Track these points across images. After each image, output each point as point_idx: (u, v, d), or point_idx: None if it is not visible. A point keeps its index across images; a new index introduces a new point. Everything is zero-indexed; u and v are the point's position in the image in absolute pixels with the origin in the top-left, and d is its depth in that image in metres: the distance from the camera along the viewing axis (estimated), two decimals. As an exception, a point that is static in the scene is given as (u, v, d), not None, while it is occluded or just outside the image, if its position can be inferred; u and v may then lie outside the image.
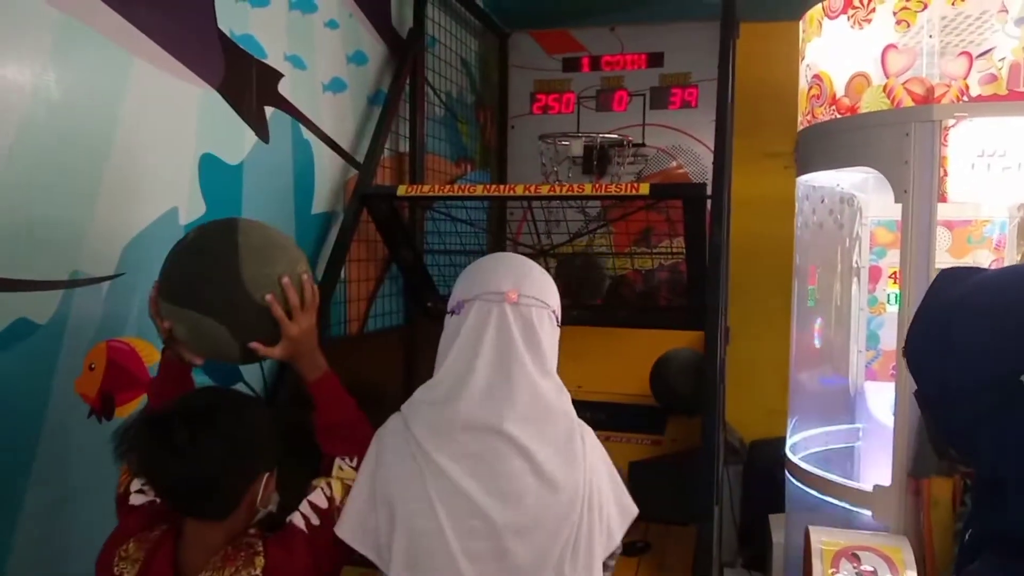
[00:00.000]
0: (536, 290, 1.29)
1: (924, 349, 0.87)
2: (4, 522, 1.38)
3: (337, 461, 1.33)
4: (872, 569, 2.05)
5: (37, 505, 1.42)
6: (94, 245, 1.53)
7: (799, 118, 2.67)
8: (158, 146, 1.69)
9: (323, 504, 1.25)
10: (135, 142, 1.62)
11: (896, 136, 2.17)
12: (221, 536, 1.19)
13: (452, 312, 1.28)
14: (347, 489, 1.25)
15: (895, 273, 2.74)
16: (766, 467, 3.31)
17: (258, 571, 1.15)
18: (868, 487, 2.27)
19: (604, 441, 2.36)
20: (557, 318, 1.33)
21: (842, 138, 2.37)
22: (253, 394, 1.50)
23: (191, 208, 1.77)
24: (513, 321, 1.25)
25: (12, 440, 1.39)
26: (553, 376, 1.28)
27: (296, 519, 1.23)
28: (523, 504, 1.16)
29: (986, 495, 0.83)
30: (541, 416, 1.22)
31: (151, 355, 1.66)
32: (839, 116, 2.36)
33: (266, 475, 1.22)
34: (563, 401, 1.27)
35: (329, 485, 1.28)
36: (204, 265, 1.28)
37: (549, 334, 1.28)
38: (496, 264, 1.34)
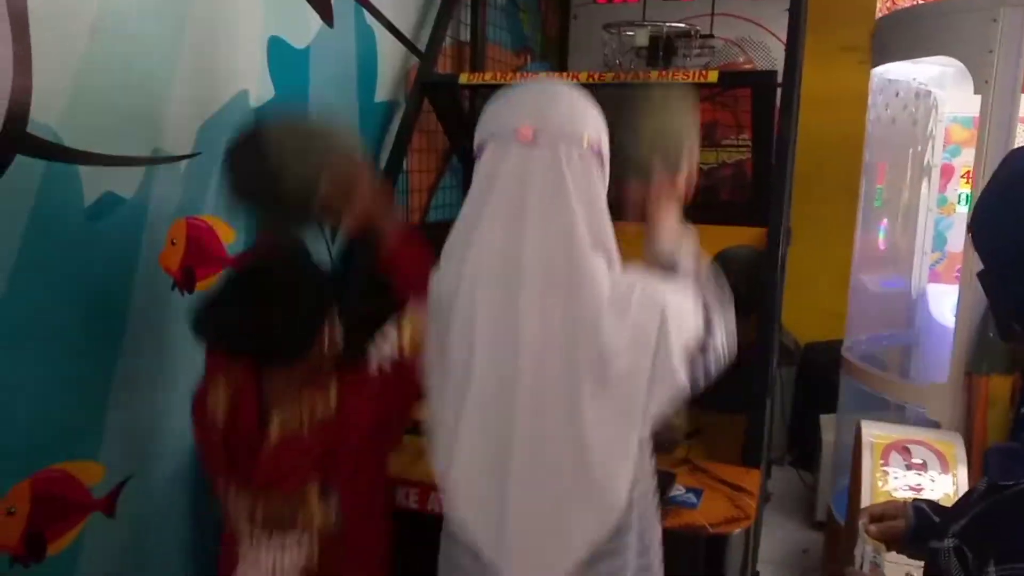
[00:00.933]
0: (562, 120, 1.03)
1: (991, 222, 0.86)
2: (98, 390, 1.49)
3: (409, 306, 1.35)
4: (923, 462, 2.08)
5: (127, 372, 1.53)
6: (172, 124, 1.58)
7: (877, 5, 2.55)
8: (228, 28, 1.71)
9: (393, 353, 1.33)
10: (207, 23, 1.64)
11: (982, 22, 2.07)
12: (297, 375, 1.29)
13: (475, 156, 1.09)
14: (415, 338, 1.29)
15: (968, 172, 2.64)
16: (819, 369, 3.32)
17: (332, 405, 1.26)
18: (925, 384, 2.27)
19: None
20: (600, 153, 1.06)
21: (923, 25, 2.26)
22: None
23: (261, 91, 1.80)
24: (529, 167, 1.01)
25: (103, 310, 1.48)
26: (588, 248, 1.00)
27: (370, 364, 1.32)
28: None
29: None
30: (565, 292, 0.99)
31: (227, 233, 1.73)
32: (922, 2, 2.24)
33: (327, 325, 1.29)
34: (600, 277, 1.00)
35: (399, 334, 1.35)
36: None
37: (583, 181, 1.02)
38: (517, 93, 1.09)
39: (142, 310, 1.55)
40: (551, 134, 1.02)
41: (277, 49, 1.84)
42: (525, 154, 1.02)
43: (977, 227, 0.89)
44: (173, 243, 1.61)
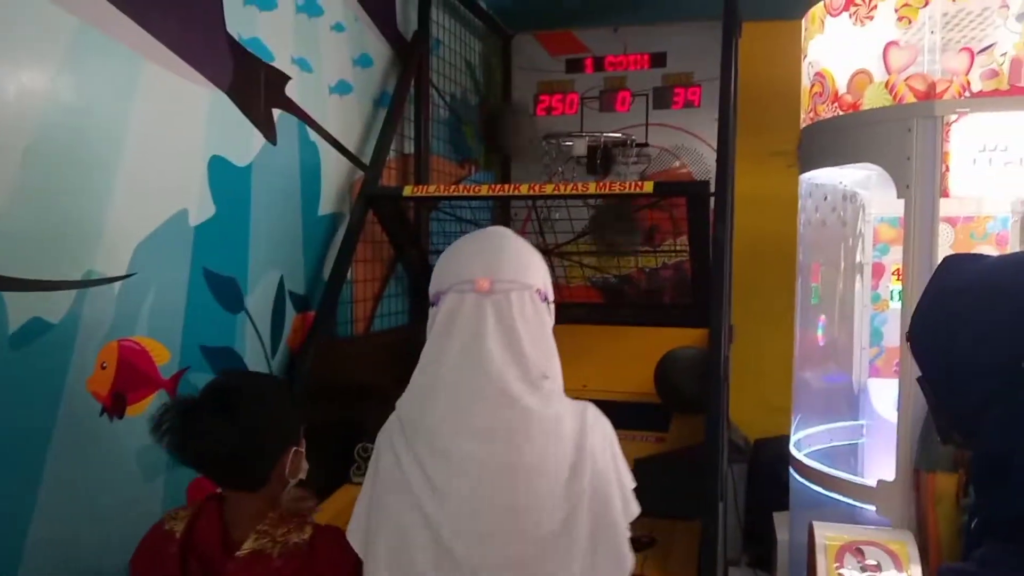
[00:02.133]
0: (514, 270, 1.15)
1: (929, 333, 0.88)
2: (18, 519, 1.40)
3: None
4: (876, 563, 2.06)
5: (50, 502, 1.44)
6: (107, 245, 1.56)
7: (802, 116, 2.69)
8: (168, 148, 1.71)
9: None
10: (146, 144, 1.64)
11: (898, 132, 2.19)
12: (260, 503, 1.29)
13: (432, 303, 1.19)
14: None
15: (898, 270, 2.75)
16: (770, 465, 3.33)
17: (306, 537, 1.26)
18: (872, 482, 2.28)
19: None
20: (546, 298, 1.19)
21: (845, 135, 2.38)
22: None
23: (201, 209, 1.80)
24: (487, 316, 1.12)
25: (26, 437, 1.41)
26: (539, 383, 1.11)
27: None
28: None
29: (990, 480, 0.84)
30: (521, 433, 1.08)
31: (161, 355, 1.68)
32: (841, 113, 2.37)
33: (293, 448, 1.31)
34: (556, 416, 1.10)
35: None
36: None
37: (535, 322, 1.14)
38: (469, 245, 1.21)
39: (67, 439, 1.47)
40: (505, 284, 1.14)
41: (218, 168, 1.85)
42: (481, 301, 1.13)
43: (914, 339, 0.91)
44: (103, 367, 1.55)
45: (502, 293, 1.13)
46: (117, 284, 1.58)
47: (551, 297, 1.21)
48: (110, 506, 1.54)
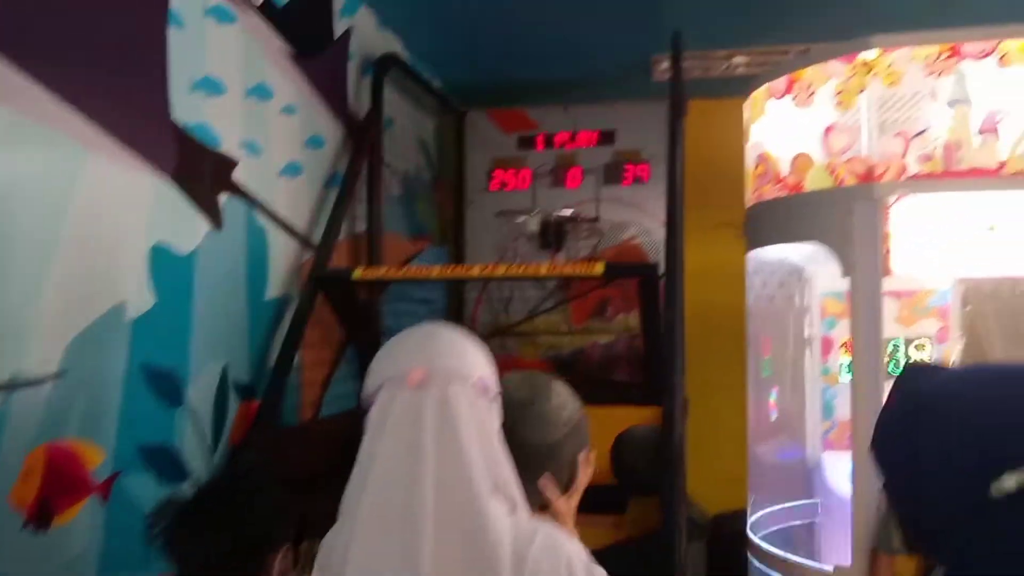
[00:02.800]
0: (451, 362, 1.04)
1: (892, 451, 0.87)
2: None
3: None
4: (838, 651, 2.02)
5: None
6: (36, 344, 1.48)
7: (747, 195, 2.75)
8: (107, 239, 1.66)
9: None
10: (84, 235, 1.59)
11: (840, 213, 2.24)
12: None
13: (368, 404, 1.06)
14: None
15: (847, 343, 2.79)
16: (730, 541, 3.28)
17: None
18: (829, 567, 2.26)
19: (565, 526, 2.29)
20: (485, 387, 1.06)
21: (788, 215, 2.44)
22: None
23: (140, 302, 1.74)
24: (421, 409, 0.99)
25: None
26: (486, 493, 0.96)
27: None
28: None
29: None
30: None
31: (94, 457, 1.60)
32: (785, 194, 2.43)
33: (280, 552, 1.28)
34: (495, 540, 0.94)
35: None
36: None
37: (475, 419, 1.01)
38: (404, 339, 1.10)
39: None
40: (441, 376, 1.02)
41: (160, 257, 1.80)
42: (417, 397, 1.01)
43: (876, 452, 0.89)
44: (28, 475, 1.46)
45: (438, 388, 1.00)
46: (46, 385, 1.50)
47: (495, 389, 1.08)
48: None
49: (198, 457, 1.90)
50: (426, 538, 0.94)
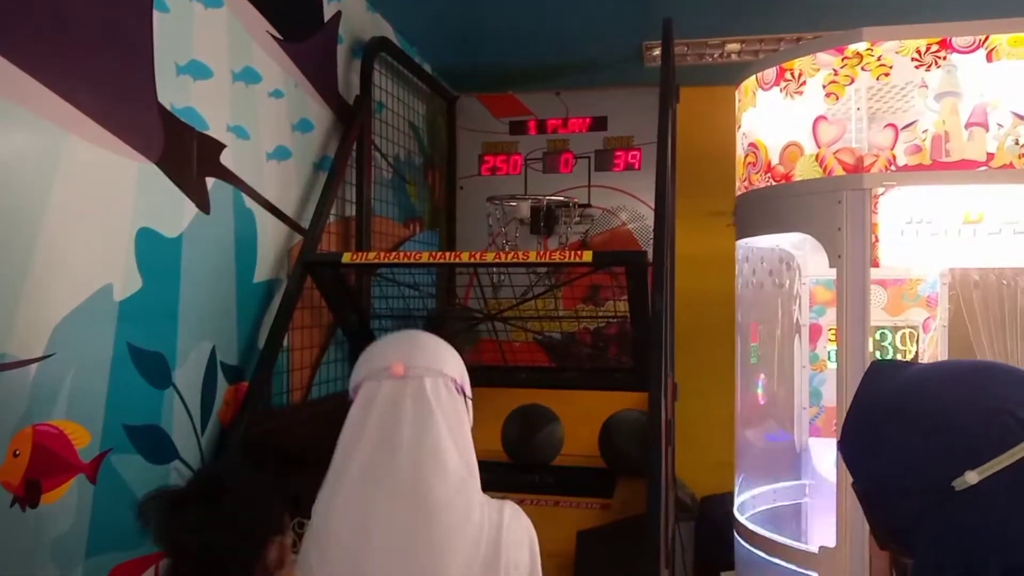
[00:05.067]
0: (428, 359, 1.18)
1: (857, 449, 0.88)
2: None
3: None
4: (819, 634, 2.05)
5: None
6: (23, 325, 1.48)
7: (737, 184, 2.75)
8: (93, 222, 1.66)
9: None
10: (69, 219, 1.59)
11: (829, 204, 2.25)
12: None
13: (351, 397, 1.21)
14: None
15: (835, 330, 2.81)
16: (717, 522, 3.32)
17: None
18: (814, 548, 2.28)
19: (553, 507, 2.33)
20: (462, 389, 1.20)
21: (778, 204, 2.45)
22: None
23: (126, 284, 1.74)
24: (402, 396, 1.13)
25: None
26: (454, 472, 1.10)
27: None
28: None
29: None
30: (433, 532, 1.07)
31: (81, 438, 1.61)
32: (774, 183, 2.43)
33: (277, 540, 1.28)
34: (467, 508, 1.10)
35: None
36: None
37: (450, 410, 1.15)
38: (386, 341, 1.26)
39: (-28, 535, 1.38)
40: (419, 369, 1.16)
41: (146, 240, 1.79)
42: (397, 386, 1.14)
43: (843, 450, 0.90)
44: (16, 455, 1.47)
45: (416, 379, 1.14)
46: (33, 366, 1.50)
47: (468, 392, 1.22)
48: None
49: (186, 438, 1.91)
50: (400, 503, 1.08)
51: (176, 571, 1.26)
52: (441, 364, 1.18)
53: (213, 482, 1.29)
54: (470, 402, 1.22)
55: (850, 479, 0.84)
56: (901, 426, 0.81)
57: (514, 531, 1.12)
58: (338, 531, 1.10)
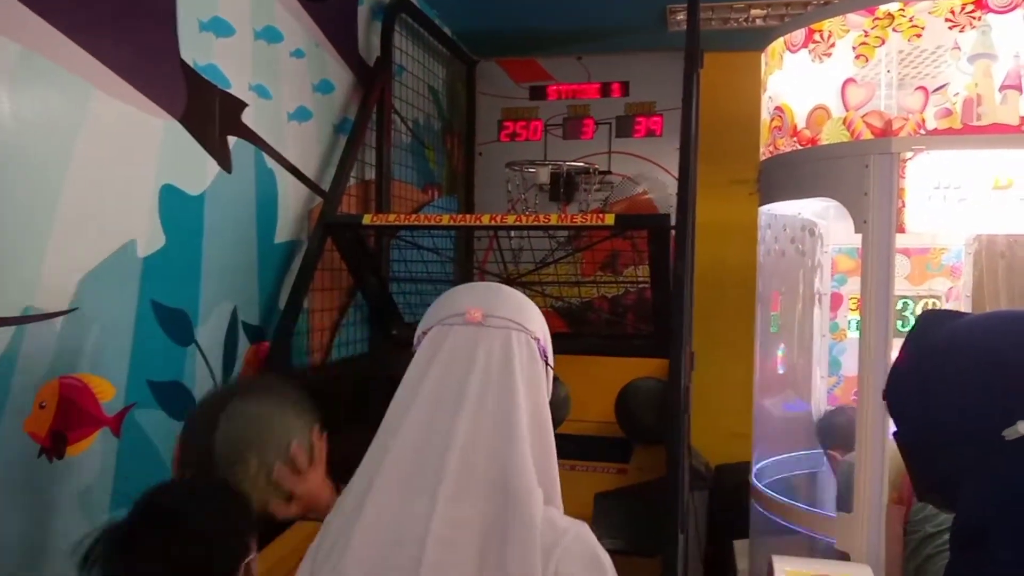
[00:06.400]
0: (510, 310, 0.98)
1: (905, 396, 0.87)
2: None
3: None
4: (836, 598, 2.05)
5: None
6: (48, 279, 1.49)
7: (761, 149, 2.71)
8: (116, 178, 1.66)
9: None
10: (93, 174, 1.59)
11: (856, 168, 2.21)
12: None
13: (415, 347, 1.02)
14: None
15: (856, 300, 2.78)
16: (732, 492, 3.33)
17: None
18: (831, 513, 2.28)
19: (569, 471, 2.34)
20: (544, 353, 1.00)
21: (803, 169, 2.41)
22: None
23: (150, 240, 1.74)
24: (476, 344, 0.93)
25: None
26: (527, 450, 0.88)
27: None
28: None
29: (967, 544, 0.82)
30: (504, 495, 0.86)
31: (106, 392, 1.62)
32: (800, 147, 2.40)
33: (244, 563, 1.13)
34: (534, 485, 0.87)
35: None
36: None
37: (530, 372, 0.95)
38: (463, 288, 1.07)
39: (2, 483, 1.40)
40: (500, 320, 0.97)
41: (169, 197, 1.80)
42: (472, 332, 0.95)
43: (890, 398, 0.89)
44: (42, 407, 1.49)
45: (496, 329, 0.94)
46: (59, 320, 1.52)
47: (551, 359, 1.02)
48: (51, 550, 1.47)
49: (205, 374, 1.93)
50: (448, 487, 0.87)
51: None
52: (526, 319, 0.99)
53: (166, 511, 1.11)
54: (551, 371, 1.03)
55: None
56: (949, 376, 0.80)
57: (572, 544, 0.90)
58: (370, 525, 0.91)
